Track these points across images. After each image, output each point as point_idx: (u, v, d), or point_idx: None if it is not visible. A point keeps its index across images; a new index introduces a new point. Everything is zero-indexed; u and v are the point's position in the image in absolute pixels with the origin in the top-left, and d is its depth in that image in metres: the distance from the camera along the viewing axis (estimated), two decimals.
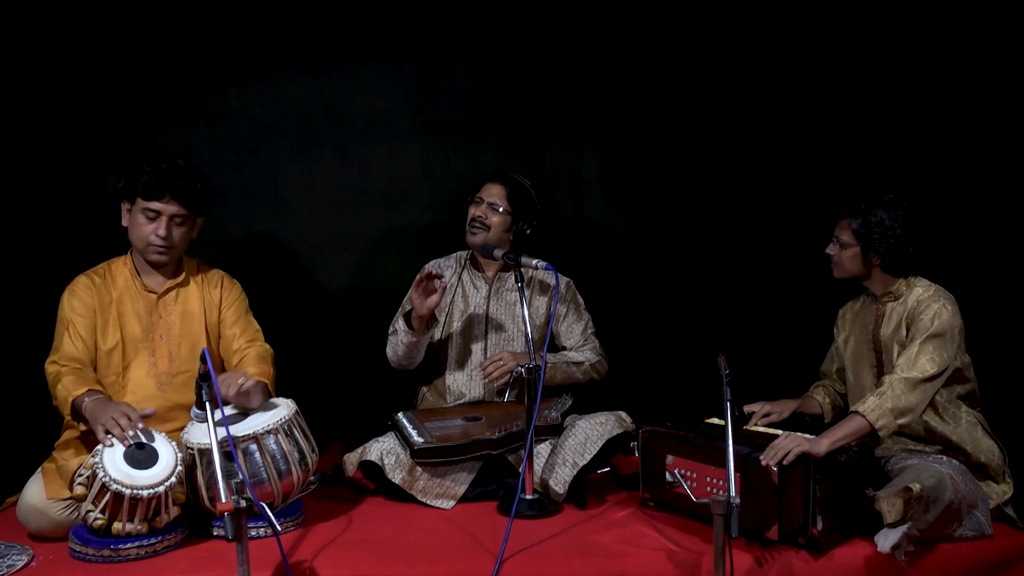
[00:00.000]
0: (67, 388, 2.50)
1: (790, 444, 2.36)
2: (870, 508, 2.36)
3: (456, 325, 3.10)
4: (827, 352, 3.00)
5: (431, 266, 3.17)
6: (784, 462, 2.33)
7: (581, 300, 3.23)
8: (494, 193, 3.06)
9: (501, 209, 3.04)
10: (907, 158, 3.45)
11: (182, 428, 2.60)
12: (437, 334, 3.11)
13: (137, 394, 2.66)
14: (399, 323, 2.98)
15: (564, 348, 3.19)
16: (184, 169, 2.66)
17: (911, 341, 2.56)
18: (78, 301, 2.66)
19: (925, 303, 2.60)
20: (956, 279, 2.74)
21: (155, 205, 2.62)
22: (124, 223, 2.70)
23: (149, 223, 2.64)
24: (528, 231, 3.09)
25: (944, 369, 2.53)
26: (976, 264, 3.29)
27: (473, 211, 3.06)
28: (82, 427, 2.56)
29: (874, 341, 2.75)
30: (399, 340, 3.00)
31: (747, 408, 2.81)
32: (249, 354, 2.76)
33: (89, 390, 2.50)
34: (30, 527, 2.47)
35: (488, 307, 3.11)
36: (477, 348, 3.10)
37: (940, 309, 2.56)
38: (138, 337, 2.70)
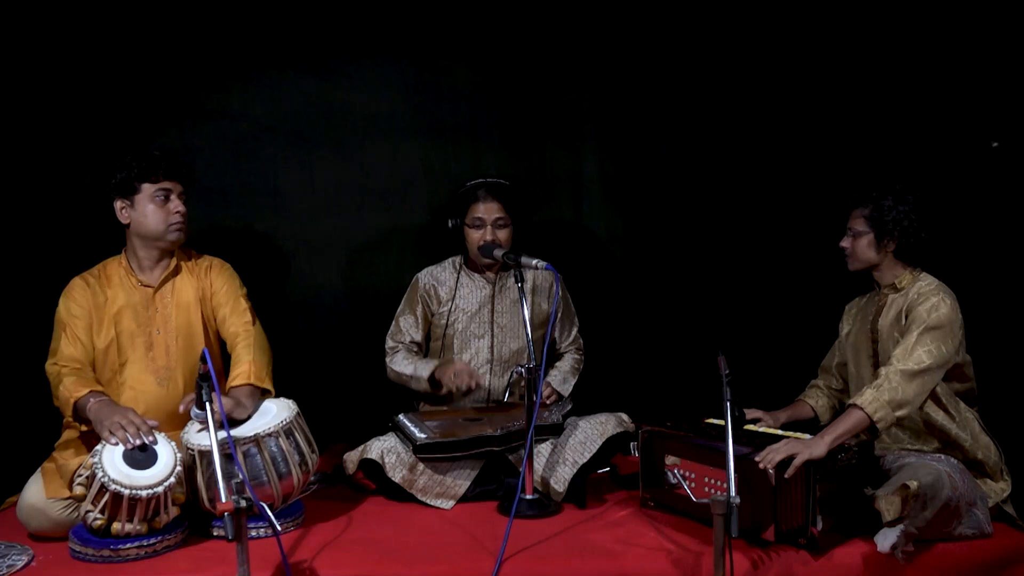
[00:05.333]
0: (68, 389, 2.50)
1: (790, 450, 2.35)
2: (869, 507, 2.36)
3: (460, 327, 3.11)
4: (829, 349, 3.00)
5: (425, 275, 3.17)
6: (786, 475, 2.33)
7: (569, 296, 3.27)
8: (492, 211, 3.03)
9: (505, 223, 3.04)
10: (908, 157, 3.44)
11: (182, 424, 2.60)
12: (441, 328, 3.13)
13: (136, 390, 2.67)
14: (424, 385, 3.00)
15: (556, 346, 3.25)
16: (172, 153, 2.77)
17: (908, 332, 2.56)
18: (74, 303, 2.67)
19: (924, 295, 2.61)
20: (955, 276, 2.73)
21: (166, 184, 2.68)
22: (124, 219, 2.71)
23: (162, 205, 2.68)
24: (531, 218, 3.12)
25: (942, 363, 2.53)
26: (974, 262, 3.28)
27: (478, 235, 3.03)
28: (83, 428, 2.56)
29: (872, 331, 2.75)
30: (413, 385, 3.04)
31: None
32: (237, 344, 2.75)
33: (92, 391, 2.51)
34: (30, 527, 2.47)
35: (493, 306, 3.12)
36: (483, 346, 3.11)
37: (939, 302, 2.57)
38: (134, 332, 2.70)
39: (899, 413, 2.46)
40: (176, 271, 2.79)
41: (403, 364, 3.08)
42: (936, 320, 2.54)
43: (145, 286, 2.74)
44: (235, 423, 2.52)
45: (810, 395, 2.97)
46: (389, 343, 3.16)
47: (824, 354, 3.03)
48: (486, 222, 3.02)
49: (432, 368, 2.99)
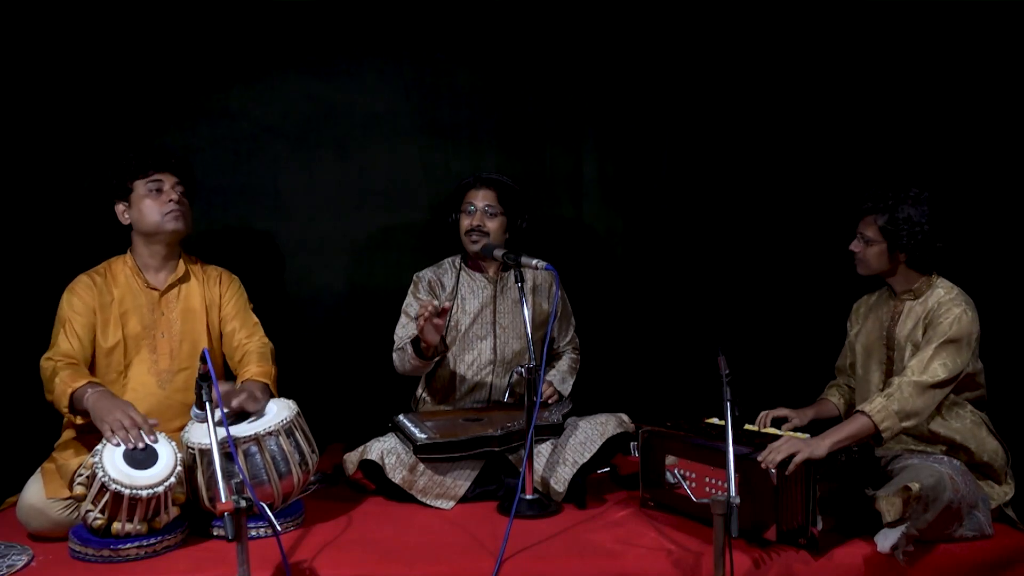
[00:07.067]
0: (65, 381, 2.49)
1: (790, 448, 2.34)
2: (870, 508, 2.36)
3: (463, 328, 3.10)
4: (841, 348, 2.98)
5: (426, 273, 3.16)
6: (786, 472, 2.32)
7: (567, 296, 3.28)
8: (485, 197, 3.06)
9: (495, 212, 3.06)
10: (908, 156, 3.44)
11: (182, 426, 2.60)
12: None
13: (138, 392, 2.67)
14: (409, 349, 2.95)
15: (554, 346, 3.25)
16: (163, 149, 2.79)
17: (926, 343, 2.54)
18: (77, 300, 2.67)
19: (946, 306, 2.57)
20: (963, 278, 2.72)
21: (158, 175, 2.70)
22: (125, 221, 2.74)
23: (156, 197, 2.70)
24: (524, 225, 3.13)
25: (956, 375, 2.51)
26: (984, 263, 3.27)
27: (468, 221, 3.05)
28: (79, 420, 2.55)
29: (888, 338, 2.72)
30: (407, 360, 2.99)
31: (771, 413, 2.78)
32: (250, 351, 2.78)
33: (89, 382, 2.50)
34: (30, 527, 2.47)
35: (495, 307, 3.12)
36: (485, 347, 3.10)
37: (961, 314, 2.53)
38: (139, 335, 2.71)
39: (906, 424, 2.45)
40: (185, 277, 2.80)
41: (399, 352, 3.05)
42: (956, 332, 2.51)
43: (151, 288, 2.75)
44: (245, 416, 2.53)
45: (831, 393, 2.95)
46: (399, 332, 3.11)
47: (826, 353, 3.02)
48: (477, 208, 3.04)
49: (414, 338, 2.93)
